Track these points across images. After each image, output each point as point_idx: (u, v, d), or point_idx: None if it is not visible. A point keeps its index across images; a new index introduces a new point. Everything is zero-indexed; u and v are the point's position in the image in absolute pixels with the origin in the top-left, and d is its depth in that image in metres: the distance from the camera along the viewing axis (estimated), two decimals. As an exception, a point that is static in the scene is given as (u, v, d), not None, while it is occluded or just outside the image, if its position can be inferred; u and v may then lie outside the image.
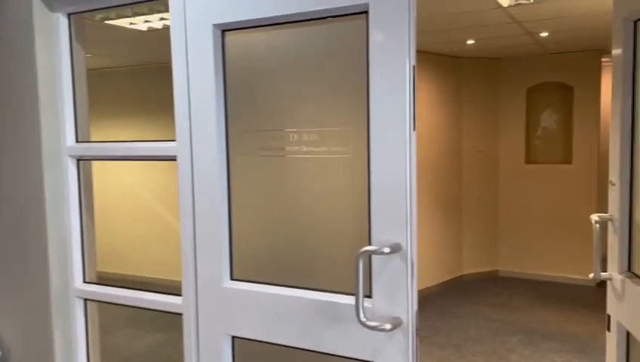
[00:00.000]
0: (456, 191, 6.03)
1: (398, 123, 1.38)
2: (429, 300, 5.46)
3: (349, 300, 1.47)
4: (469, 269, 6.18)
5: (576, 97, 5.77)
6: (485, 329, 4.69)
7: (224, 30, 1.62)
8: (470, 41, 5.05)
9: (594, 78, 5.66)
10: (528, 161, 6.13)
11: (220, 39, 1.62)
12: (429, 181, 5.64)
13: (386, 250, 1.37)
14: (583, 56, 5.70)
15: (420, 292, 5.57)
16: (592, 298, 5.34)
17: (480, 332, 4.64)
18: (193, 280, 1.70)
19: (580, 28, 4.53)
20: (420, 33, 4.60)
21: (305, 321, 1.53)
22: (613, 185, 2.02)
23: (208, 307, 1.68)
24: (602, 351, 4.13)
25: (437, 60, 5.67)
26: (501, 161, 6.20)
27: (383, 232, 1.43)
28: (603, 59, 5.75)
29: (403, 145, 1.38)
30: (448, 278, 5.96)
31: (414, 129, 1.39)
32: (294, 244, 1.61)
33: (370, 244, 1.45)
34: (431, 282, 5.74)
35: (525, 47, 5.42)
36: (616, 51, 1.96)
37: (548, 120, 6.12)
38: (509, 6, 3.76)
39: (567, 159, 5.94)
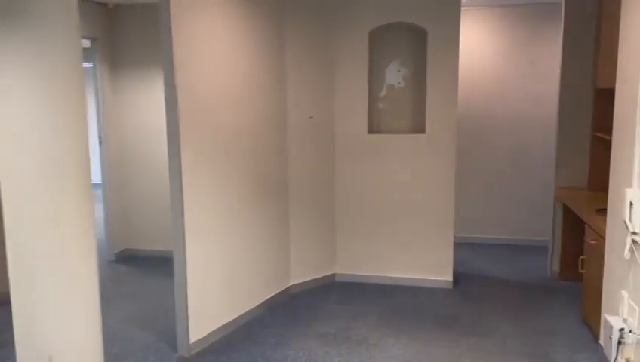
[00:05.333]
0: (280, 171, 4.31)
1: None
2: (239, 335, 3.71)
3: None
4: (298, 277, 4.56)
5: (431, 45, 4.39)
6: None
7: None
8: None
9: (452, 20, 4.32)
10: (371, 130, 4.66)
11: None
12: (239, 158, 3.81)
13: None
14: (437, -9, 4.32)
15: (222, 328, 3.77)
16: (452, 301, 4.12)
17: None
18: None
19: None
20: None
21: None
22: None
23: None
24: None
25: (247, -21, 3.80)
26: (337, 129, 4.64)
27: None
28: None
29: None
30: (271, 295, 4.26)
31: None
32: None
33: None
34: (244, 307, 3.97)
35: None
36: None
37: (395, 75, 4.68)
38: None
39: (419, 127, 4.59)
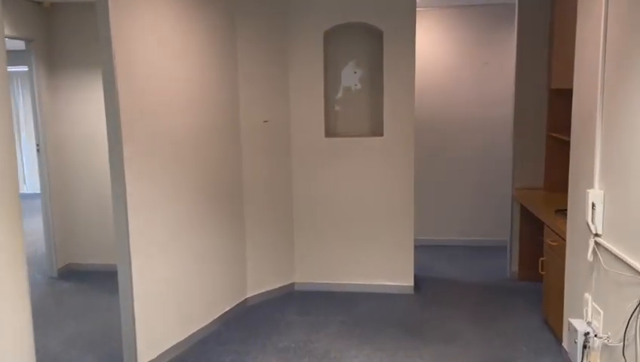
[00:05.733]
0: (234, 178, 4.10)
1: None
2: (193, 354, 3.48)
3: None
4: (256, 288, 4.36)
5: (387, 46, 4.29)
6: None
7: None
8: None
9: (408, 20, 4.24)
10: (329, 134, 4.52)
11: None
12: (189, 166, 3.58)
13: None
14: (393, -10, 4.23)
15: (174, 348, 3.54)
16: (414, 306, 4.03)
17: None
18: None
19: None
20: None
21: None
22: None
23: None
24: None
25: (194, -24, 3.58)
26: (293, 133, 4.47)
27: None
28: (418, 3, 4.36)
29: None
30: (227, 308, 4.05)
31: None
32: None
33: None
34: (198, 323, 3.74)
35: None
36: None
37: (351, 77, 4.56)
38: None
39: (377, 130, 4.48)
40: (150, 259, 3.25)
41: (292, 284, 4.57)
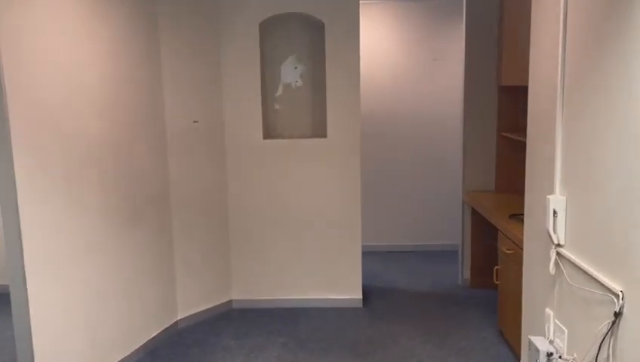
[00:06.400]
0: (159, 187, 3.64)
1: None
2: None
3: None
4: (187, 309, 3.91)
5: (329, 40, 3.95)
6: None
7: None
8: None
9: (351, 12, 3.91)
10: (268, 136, 4.13)
11: None
12: (103, 175, 3.09)
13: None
14: (334, -21, 3.89)
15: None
16: (362, 321, 3.69)
17: None
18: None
19: None
20: None
21: None
22: None
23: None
24: None
25: (105, -45, 3.10)
26: (228, 136, 4.05)
27: None
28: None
29: None
30: (153, 334, 3.58)
31: None
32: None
33: None
34: (116, 355, 3.26)
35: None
36: None
37: (291, 73, 4.19)
38: None
39: (320, 130, 4.13)
40: (52, 281, 2.75)
41: (229, 302, 4.15)
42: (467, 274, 4.54)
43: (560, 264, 2.41)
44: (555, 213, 2.40)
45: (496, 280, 3.53)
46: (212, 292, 4.03)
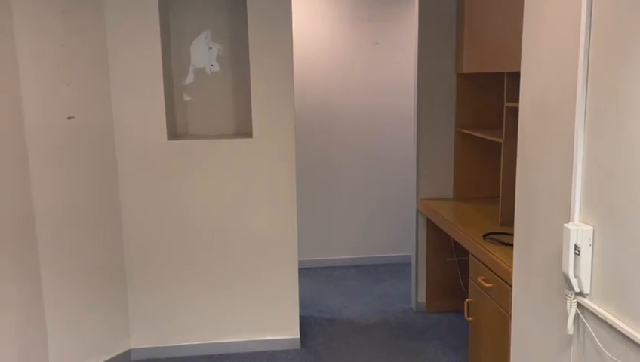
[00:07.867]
0: (15, 210, 2.61)
1: None
2: None
3: None
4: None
5: (253, 13, 3.06)
6: None
7: None
8: None
9: (279, -24, 3.04)
10: (174, 135, 3.20)
11: None
12: None
13: None
14: None
15: None
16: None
17: None
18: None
19: None
20: None
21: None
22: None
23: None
24: None
25: None
26: (119, 135, 3.06)
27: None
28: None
29: None
30: (12, 414, 2.56)
31: None
32: None
33: None
34: None
35: None
36: None
37: (205, 54, 3.26)
38: None
39: (244, 129, 3.24)
40: None
41: (127, 353, 3.18)
42: (422, 298, 3.84)
43: (583, 320, 1.71)
44: (577, 248, 1.69)
45: (468, 316, 2.83)
46: (102, 343, 3.05)
